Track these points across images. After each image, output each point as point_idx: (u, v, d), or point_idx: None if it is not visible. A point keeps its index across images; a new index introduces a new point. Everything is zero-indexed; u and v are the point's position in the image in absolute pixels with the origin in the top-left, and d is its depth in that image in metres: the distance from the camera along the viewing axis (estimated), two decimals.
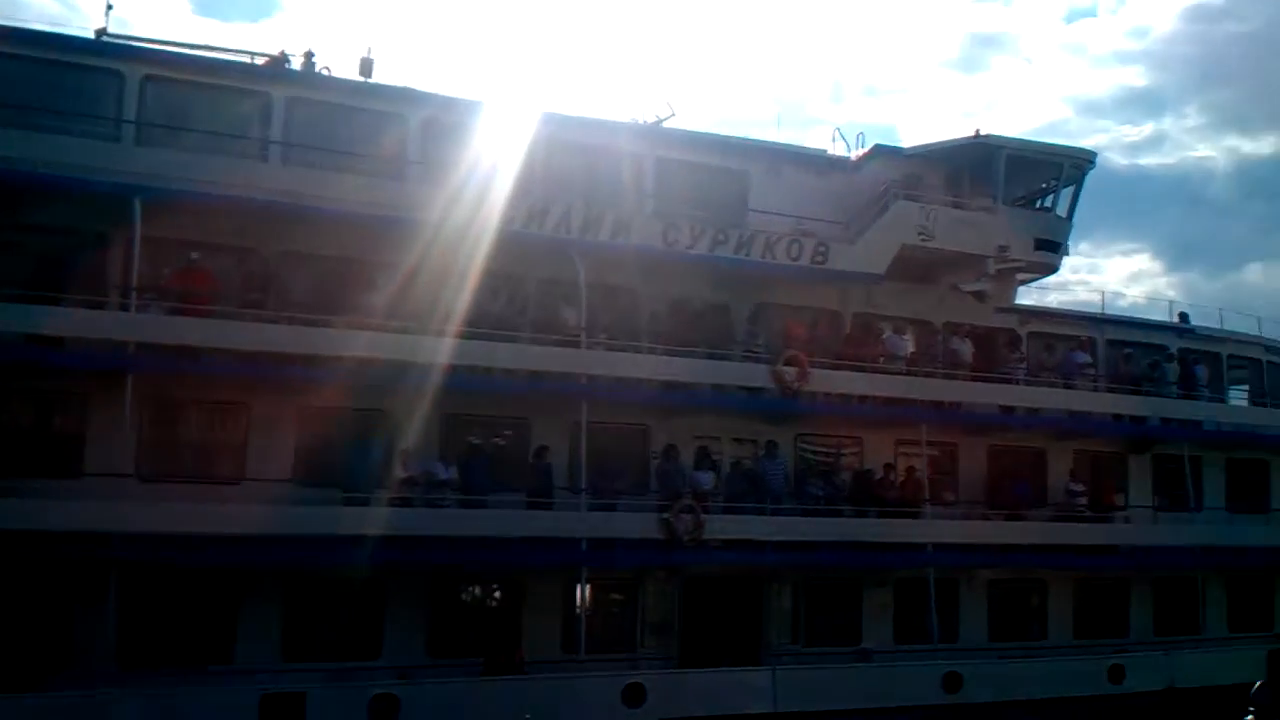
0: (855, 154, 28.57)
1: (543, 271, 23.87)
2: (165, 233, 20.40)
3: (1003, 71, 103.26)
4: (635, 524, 23.32)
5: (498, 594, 24.03)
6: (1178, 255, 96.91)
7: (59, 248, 20.57)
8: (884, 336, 27.11)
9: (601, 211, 24.08)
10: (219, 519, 19.86)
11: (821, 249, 25.87)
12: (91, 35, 22.60)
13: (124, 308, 20.13)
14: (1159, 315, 33.02)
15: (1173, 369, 30.80)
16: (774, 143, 28.20)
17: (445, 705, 20.51)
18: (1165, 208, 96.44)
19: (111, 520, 18.94)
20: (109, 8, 23.35)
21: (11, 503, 18.47)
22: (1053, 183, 29.31)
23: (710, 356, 24.71)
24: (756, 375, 25.08)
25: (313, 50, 23.77)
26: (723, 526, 23.84)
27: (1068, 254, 29.94)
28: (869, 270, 26.46)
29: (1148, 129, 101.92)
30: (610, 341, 23.81)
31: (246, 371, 20.95)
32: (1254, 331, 33.51)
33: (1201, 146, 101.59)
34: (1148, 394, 29.96)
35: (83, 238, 20.72)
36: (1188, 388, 30.83)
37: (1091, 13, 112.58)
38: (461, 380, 21.82)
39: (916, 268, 27.39)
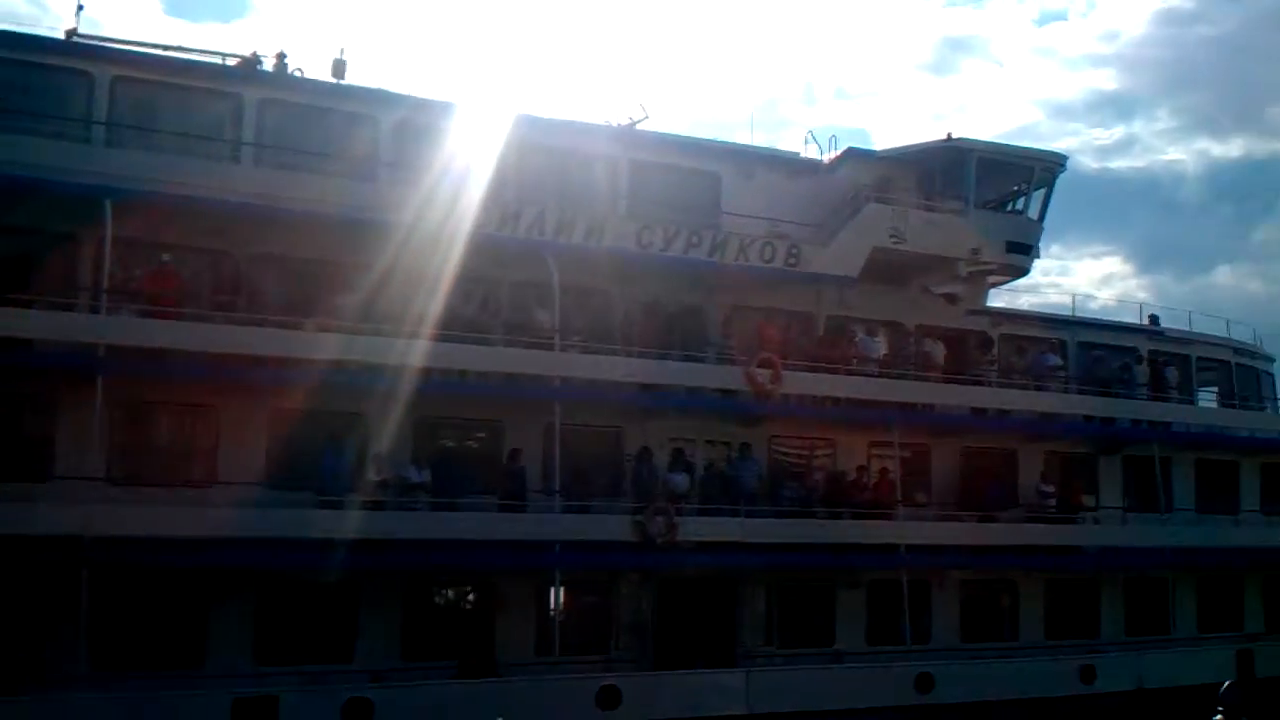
0: (828, 157, 28.69)
1: (516, 274, 23.82)
2: (136, 234, 20.29)
3: (974, 74, 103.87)
4: (609, 526, 23.31)
5: (471, 597, 23.99)
6: (1148, 258, 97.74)
7: (29, 248, 20.48)
8: (856, 339, 27.20)
9: (575, 214, 24.08)
10: (190, 522, 19.74)
11: (794, 251, 25.96)
12: (62, 36, 22.42)
13: (94, 309, 20.00)
14: (1129, 318, 33.34)
15: (1142, 371, 31.08)
16: (747, 145, 28.36)
17: (419, 708, 20.45)
18: (1136, 210, 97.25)
19: (82, 523, 18.79)
20: (79, 8, 23.23)
21: None
22: (1024, 186, 29.51)
23: (684, 359, 24.75)
24: (730, 377, 25.12)
25: (285, 51, 23.69)
26: (696, 529, 23.86)
27: (1039, 256, 30.18)
28: (841, 273, 26.55)
29: (1118, 132, 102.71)
30: (584, 344, 23.81)
31: (218, 374, 20.83)
32: (1223, 334, 33.89)
33: (1172, 149, 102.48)
34: (1118, 396, 30.19)
35: (53, 239, 20.56)
36: (1157, 389, 31.09)
37: (1062, 16, 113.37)
38: (434, 383, 21.79)
39: (889, 270, 27.50)
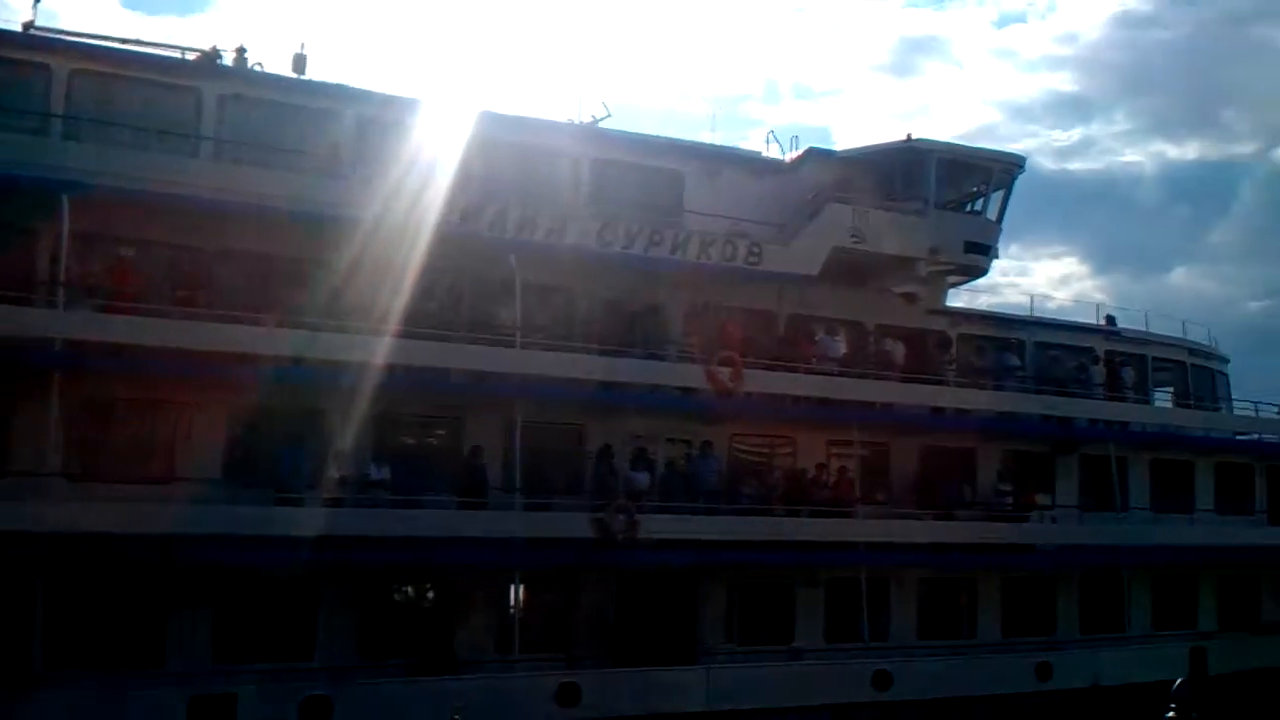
0: (789, 156, 28.83)
1: (478, 271, 23.81)
2: (94, 229, 20.12)
3: (935, 76, 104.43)
4: (570, 524, 23.32)
5: (431, 594, 23.92)
6: (1105, 259, 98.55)
7: None
8: (817, 338, 27.35)
9: (537, 211, 24.06)
10: (148, 519, 19.59)
11: (755, 250, 26.06)
12: (19, 28, 22.20)
13: (51, 304, 19.83)
14: (1086, 318, 33.52)
15: (1099, 371, 31.38)
16: (709, 144, 28.45)
17: (378, 706, 20.40)
18: (1093, 212, 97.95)
19: (37, 520, 18.64)
20: (36, 1, 23.00)
21: None
22: (983, 187, 29.78)
23: (646, 356, 24.79)
24: (691, 375, 25.18)
25: (245, 46, 23.55)
26: (657, 526, 23.89)
27: (997, 257, 30.53)
28: (802, 271, 26.68)
29: (1076, 134, 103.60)
30: (545, 341, 23.82)
31: (176, 370, 20.69)
32: (1178, 334, 34.24)
33: (1129, 152, 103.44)
34: (1075, 395, 30.46)
35: (9, 233, 20.36)
36: (1113, 389, 31.41)
37: (1022, 18, 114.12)
38: (395, 380, 21.69)
39: (849, 270, 27.65)
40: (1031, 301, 32.83)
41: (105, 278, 20.53)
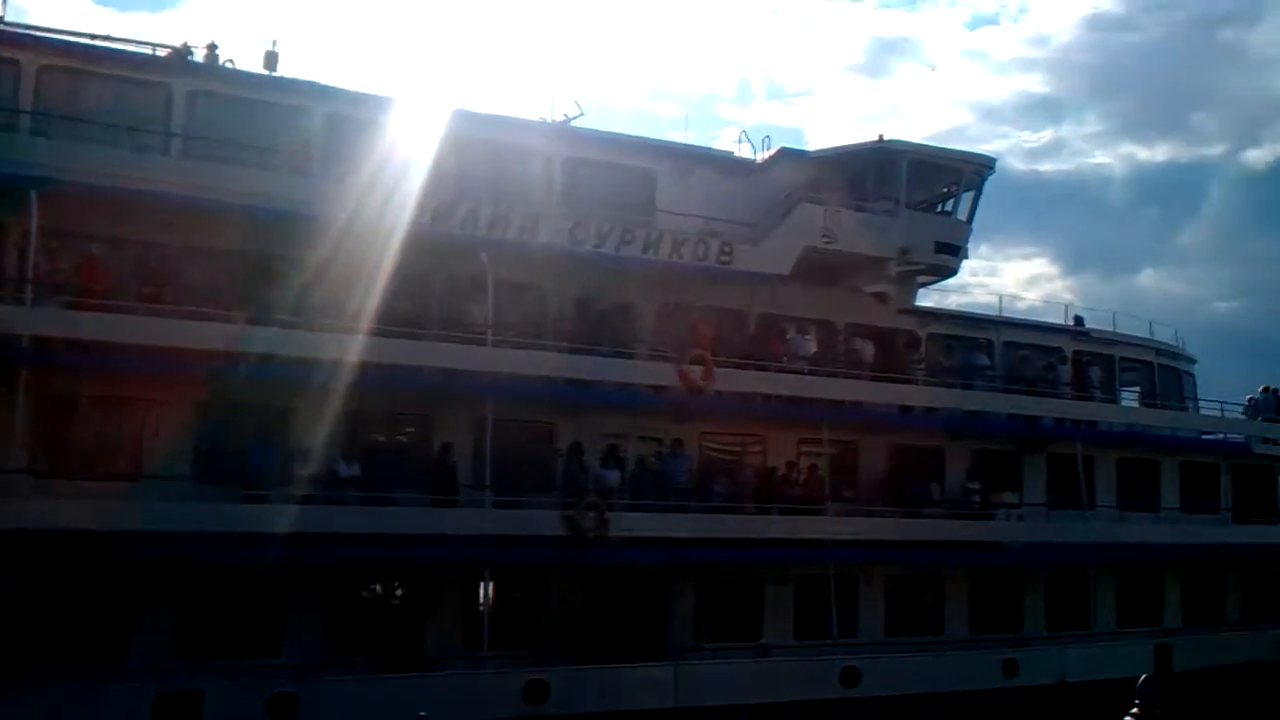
0: (761, 156, 28.94)
1: (449, 269, 23.82)
2: (62, 225, 20.06)
3: (907, 76, 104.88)
4: (540, 522, 23.37)
5: (400, 592, 23.92)
6: (1074, 259, 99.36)
7: None
8: (788, 336, 27.48)
9: (509, 209, 24.08)
10: (115, 516, 19.51)
11: (727, 249, 26.16)
12: None
13: (19, 301, 19.74)
14: (1055, 318, 33.76)
15: (1066, 370, 31.60)
16: (682, 144, 28.50)
17: (345, 703, 20.41)
18: (1063, 213, 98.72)
19: (3, 517, 18.54)
20: None
21: None
22: (953, 187, 29.97)
23: (617, 355, 24.86)
24: (662, 374, 25.27)
25: (216, 42, 23.49)
26: (627, 524, 23.93)
27: (967, 257, 30.76)
28: (773, 271, 26.79)
29: (1047, 135, 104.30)
30: (516, 339, 23.85)
31: (144, 367, 20.60)
32: (1146, 335, 34.50)
33: (1099, 153, 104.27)
34: (1042, 395, 30.68)
35: None
36: (1081, 389, 31.65)
37: (994, 20, 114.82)
38: (365, 377, 21.62)
39: (820, 269, 27.80)
40: (1000, 301, 33.12)
41: (74, 274, 20.48)
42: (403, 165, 22.69)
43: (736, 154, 28.95)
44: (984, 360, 30.61)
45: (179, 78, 22.52)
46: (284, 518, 20.37)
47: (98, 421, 21.36)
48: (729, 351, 26.17)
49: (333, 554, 21.44)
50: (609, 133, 27.32)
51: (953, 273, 30.59)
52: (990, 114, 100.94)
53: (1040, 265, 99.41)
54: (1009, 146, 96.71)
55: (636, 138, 27.67)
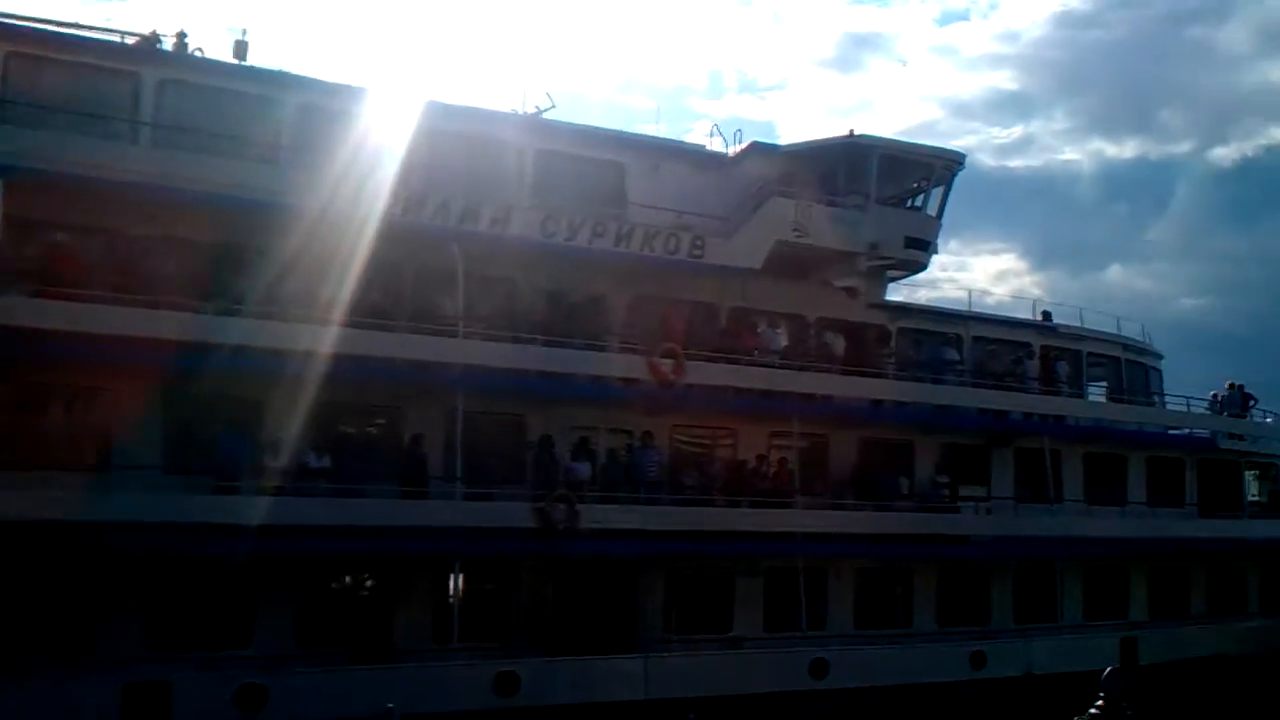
0: (733, 150, 29.01)
1: (421, 260, 23.77)
2: (30, 213, 19.89)
3: (878, 71, 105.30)
4: (510, 514, 23.37)
5: (370, 583, 23.85)
6: (1043, 255, 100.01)
7: None
8: (759, 330, 27.57)
9: (480, 201, 24.06)
10: (83, 506, 19.42)
11: (698, 243, 26.21)
12: None
13: None
14: (1024, 313, 34.04)
15: (1034, 365, 31.81)
16: (653, 137, 28.53)
17: (314, 694, 20.35)
18: (1032, 208, 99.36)
19: None
20: None
21: None
22: (923, 183, 30.13)
23: (588, 347, 24.88)
24: (633, 366, 25.30)
25: (185, 31, 23.39)
26: (599, 516, 23.99)
27: (937, 252, 30.91)
28: (744, 264, 26.87)
29: (1016, 131, 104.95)
30: (488, 331, 23.81)
31: (113, 356, 20.43)
32: (1113, 330, 34.75)
33: (1067, 149, 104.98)
34: (1010, 389, 30.89)
35: None
36: (1049, 384, 31.88)
37: (964, 16, 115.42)
38: (336, 368, 21.54)
39: (791, 263, 27.90)
40: (970, 296, 33.27)
41: (41, 263, 20.31)
42: (374, 156, 22.62)
43: (708, 147, 29.02)
44: (953, 355, 30.81)
45: (148, 66, 22.39)
46: (254, 509, 20.33)
47: (66, 412, 21.23)
48: (700, 345, 26.24)
49: (303, 545, 21.38)
50: (581, 125, 27.30)
51: (923, 267, 30.78)
52: (960, 110, 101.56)
53: (1009, 260, 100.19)
54: (979, 142, 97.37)
55: (608, 130, 27.73)
